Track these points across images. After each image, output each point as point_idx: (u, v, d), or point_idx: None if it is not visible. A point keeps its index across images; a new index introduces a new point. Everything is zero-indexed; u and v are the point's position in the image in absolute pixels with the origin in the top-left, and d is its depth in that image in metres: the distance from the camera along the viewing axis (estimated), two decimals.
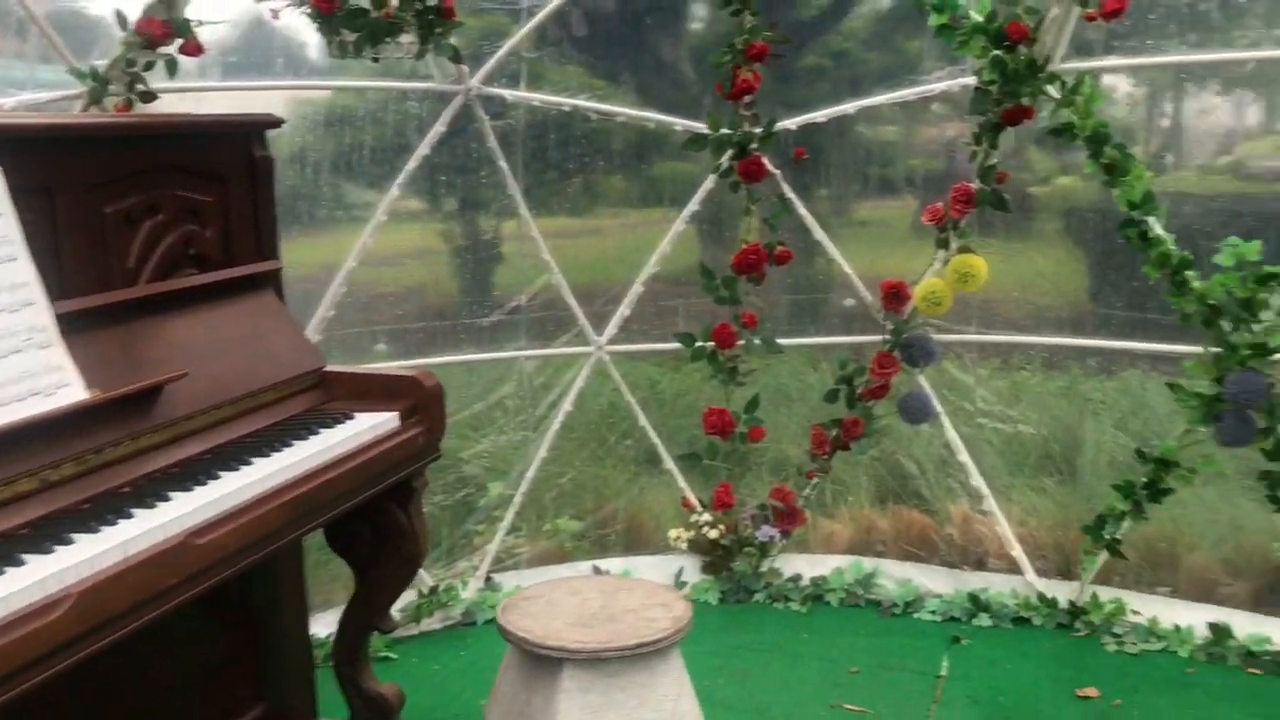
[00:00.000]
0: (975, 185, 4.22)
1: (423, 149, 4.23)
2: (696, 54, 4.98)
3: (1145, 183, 3.94)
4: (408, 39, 3.78)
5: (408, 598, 4.22)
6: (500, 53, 4.30)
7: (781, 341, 4.69)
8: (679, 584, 4.63)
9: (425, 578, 4.31)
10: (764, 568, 4.64)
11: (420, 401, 2.80)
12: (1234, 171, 5.28)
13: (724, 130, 4.39)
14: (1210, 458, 4.01)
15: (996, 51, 3.97)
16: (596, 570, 4.62)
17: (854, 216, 5.72)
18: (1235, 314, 3.84)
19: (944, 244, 4.33)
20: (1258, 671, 3.96)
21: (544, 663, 2.81)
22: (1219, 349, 3.89)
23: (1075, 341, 4.73)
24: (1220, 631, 4.08)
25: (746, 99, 4.33)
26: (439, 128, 4.25)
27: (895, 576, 4.59)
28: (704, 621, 4.35)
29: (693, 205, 4.58)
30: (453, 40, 3.98)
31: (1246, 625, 4.09)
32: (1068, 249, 5.22)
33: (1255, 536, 4.25)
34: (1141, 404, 4.79)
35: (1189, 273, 3.92)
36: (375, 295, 4.50)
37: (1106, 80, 5.29)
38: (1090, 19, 3.80)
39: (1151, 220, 3.97)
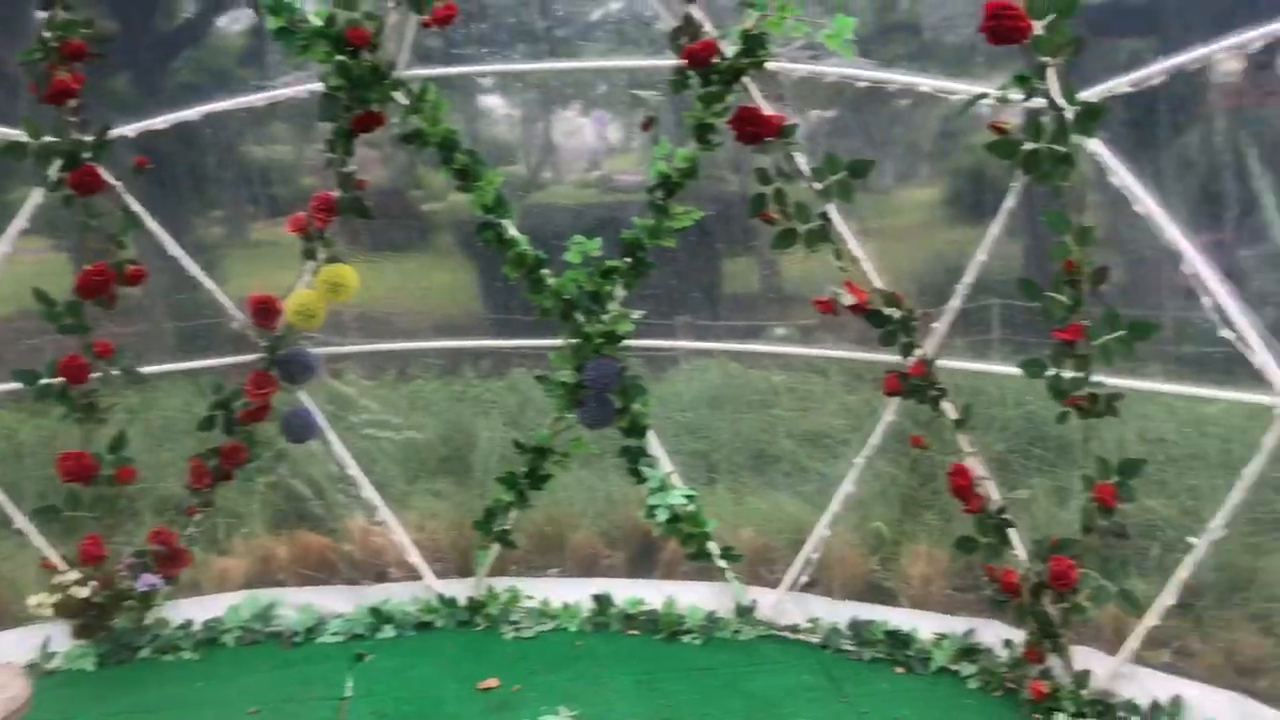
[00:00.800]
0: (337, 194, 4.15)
1: None
2: None
3: (496, 187, 4.11)
4: None
5: None
6: None
7: (163, 369, 4.29)
8: (47, 657, 4.05)
9: None
10: (149, 620, 4.21)
11: None
12: (601, 185, 5.83)
13: (47, 138, 3.90)
14: (580, 441, 4.30)
15: (340, 57, 3.92)
16: None
17: (250, 238, 5.48)
18: (586, 306, 4.15)
19: (311, 254, 4.21)
20: (636, 632, 4.30)
21: None
22: (576, 340, 4.17)
23: (451, 344, 4.89)
24: (602, 601, 4.38)
25: (71, 103, 3.88)
26: None
27: (295, 604, 4.37)
28: (77, 693, 3.90)
29: (20, 223, 4.00)
30: None
31: (625, 591, 4.42)
32: (460, 259, 5.40)
33: (626, 508, 4.63)
34: (528, 400, 5.04)
35: (544, 271, 4.16)
36: None
37: (484, 101, 5.56)
38: (427, 25, 3.90)
39: (505, 223, 4.15)
